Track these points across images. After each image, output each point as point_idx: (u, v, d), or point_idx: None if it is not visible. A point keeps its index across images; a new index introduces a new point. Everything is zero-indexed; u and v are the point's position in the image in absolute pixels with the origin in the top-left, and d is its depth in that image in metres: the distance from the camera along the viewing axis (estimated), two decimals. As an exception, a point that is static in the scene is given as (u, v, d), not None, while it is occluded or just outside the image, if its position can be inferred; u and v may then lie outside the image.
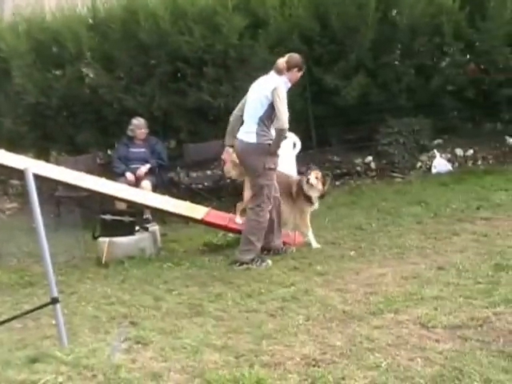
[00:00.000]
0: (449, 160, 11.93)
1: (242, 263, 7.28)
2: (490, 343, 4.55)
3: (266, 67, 11.21)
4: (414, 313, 5.24)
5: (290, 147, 10.48)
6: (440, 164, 11.72)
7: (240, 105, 7.80)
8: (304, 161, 11.32)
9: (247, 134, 7.42)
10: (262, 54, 11.25)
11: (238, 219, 8.33)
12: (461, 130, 12.66)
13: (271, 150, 7.31)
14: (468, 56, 11.98)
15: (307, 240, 7.95)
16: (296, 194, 8.01)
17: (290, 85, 7.52)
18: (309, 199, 7.94)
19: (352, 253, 7.40)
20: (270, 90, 7.27)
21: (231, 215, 8.71)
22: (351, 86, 11.20)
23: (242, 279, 6.77)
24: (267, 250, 7.72)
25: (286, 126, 7.23)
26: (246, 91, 11.25)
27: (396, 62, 12.04)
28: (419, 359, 4.40)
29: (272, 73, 7.49)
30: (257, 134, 7.32)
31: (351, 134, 12.19)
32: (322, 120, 11.70)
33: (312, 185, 7.89)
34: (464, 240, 7.45)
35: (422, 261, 6.71)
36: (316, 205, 8.04)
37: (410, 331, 4.91)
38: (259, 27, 11.42)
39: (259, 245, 7.42)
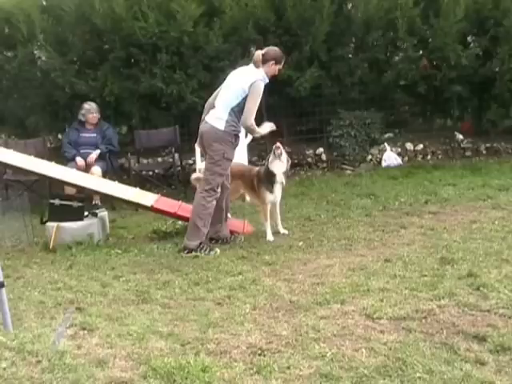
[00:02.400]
0: (399, 154, 12.08)
1: (190, 250, 7.25)
2: (433, 335, 4.61)
3: (219, 56, 11.31)
4: (360, 304, 5.29)
5: (241, 137, 10.48)
6: (390, 158, 11.84)
7: (215, 93, 7.67)
8: (255, 151, 11.37)
9: (217, 119, 7.34)
10: (216, 43, 11.24)
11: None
12: (411, 125, 12.84)
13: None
14: (421, 52, 12.10)
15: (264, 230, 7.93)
16: (257, 184, 7.94)
17: (267, 80, 7.40)
18: (272, 176, 7.81)
19: (300, 243, 7.42)
20: (248, 83, 7.19)
21: (180, 202, 8.69)
22: (304, 77, 11.24)
23: (190, 267, 6.75)
24: (215, 239, 7.71)
25: (249, 123, 7.25)
26: (198, 79, 11.33)
27: (350, 55, 12.12)
28: (364, 350, 4.43)
29: (251, 65, 7.42)
30: (226, 122, 7.28)
31: (303, 126, 12.26)
32: (274, 110, 11.72)
33: (277, 155, 7.82)
34: (411, 233, 7.53)
35: (370, 253, 6.77)
36: (277, 194, 7.92)
37: (355, 322, 4.95)
38: (214, 15, 11.39)
39: (205, 230, 7.38)
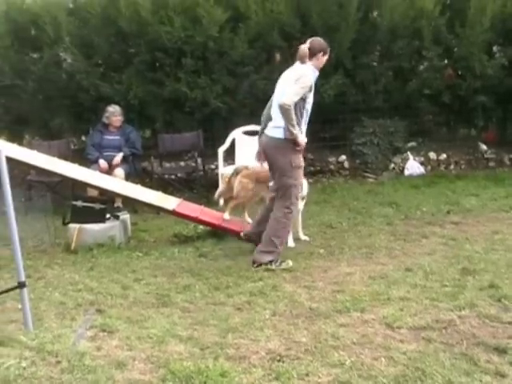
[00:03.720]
0: (422, 163, 12.02)
1: (260, 264, 6.86)
2: (453, 346, 4.59)
3: (243, 61, 11.33)
4: (380, 312, 5.28)
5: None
6: (413, 167, 11.80)
7: (269, 102, 7.26)
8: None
9: (275, 128, 6.90)
10: (241, 48, 11.27)
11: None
12: (435, 134, 12.78)
13: (290, 134, 6.73)
14: (446, 61, 12.07)
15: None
16: None
17: (317, 73, 7.04)
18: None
19: (321, 250, 7.42)
20: (294, 80, 6.77)
21: (202, 207, 8.71)
22: (329, 84, 11.23)
23: (211, 272, 6.77)
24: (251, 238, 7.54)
25: (287, 102, 6.61)
26: (223, 84, 11.35)
27: (374, 63, 12.10)
28: (383, 358, 4.43)
29: (296, 63, 7.00)
30: (284, 128, 6.77)
31: (326, 133, 12.23)
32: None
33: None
34: (433, 243, 7.51)
35: (390, 261, 6.75)
36: (301, 205, 7.84)
37: (375, 330, 4.94)
38: (240, 21, 11.41)
39: (281, 248, 7.01)
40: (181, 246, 7.99)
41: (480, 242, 7.41)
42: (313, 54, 6.93)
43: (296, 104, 6.70)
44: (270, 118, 7.08)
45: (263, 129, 7.23)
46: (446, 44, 11.75)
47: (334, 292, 5.91)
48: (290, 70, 7.02)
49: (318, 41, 7.08)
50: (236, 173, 8.37)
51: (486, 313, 5.17)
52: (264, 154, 7.23)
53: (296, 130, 6.74)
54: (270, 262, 6.85)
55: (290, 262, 6.89)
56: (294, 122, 6.70)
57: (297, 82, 6.72)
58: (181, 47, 11.32)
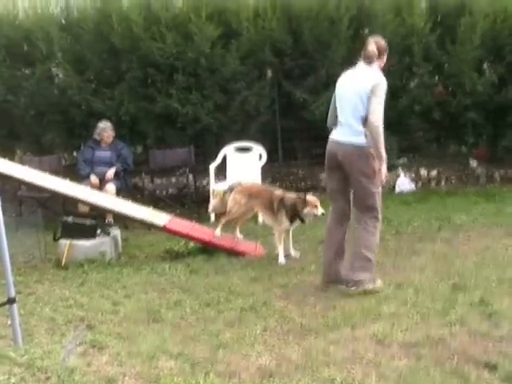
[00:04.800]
0: (412, 179, 12.06)
1: (356, 283, 6.35)
2: (443, 362, 4.60)
3: (235, 78, 11.36)
4: (371, 328, 5.28)
5: (255, 159, 10.56)
6: (404, 183, 11.84)
7: (330, 112, 6.78)
8: (269, 173, 11.39)
9: (355, 136, 6.37)
10: (232, 64, 11.30)
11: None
12: (426, 151, 12.80)
13: (377, 155, 6.28)
14: (436, 78, 12.13)
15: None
16: (278, 209, 7.87)
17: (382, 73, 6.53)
18: (299, 217, 7.79)
19: (312, 266, 7.40)
20: (370, 84, 6.28)
21: (193, 223, 8.72)
22: (320, 101, 11.25)
23: (202, 288, 6.75)
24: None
25: (377, 123, 6.23)
26: (214, 100, 11.37)
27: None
28: (374, 375, 4.42)
29: (362, 64, 6.51)
30: (365, 134, 6.31)
31: (318, 149, 12.21)
32: (289, 133, 11.79)
33: (314, 214, 7.74)
34: (424, 259, 7.51)
35: (381, 277, 6.71)
36: (295, 225, 7.95)
37: (365, 347, 4.94)
38: (231, 37, 11.45)
39: (374, 261, 6.53)
40: (172, 262, 7.97)
41: (471, 258, 7.43)
42: (380, 53, 6.52)
43: None
44: (338, 124, 6.59)
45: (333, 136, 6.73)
46: (437, 61, 11.82)
47: (324, 308, 5.90)
48: (359, 73, 6.49)
49: (382, 40, 6.64)
50: (230, 189, 8.37)
51: (476, 329, 5.18)
52: (335, 161, 6.55)
53: (383, 150, 6.31)
54: (367, 280, 6.37)
55: (380, 282, 6.49)
56: (383, 141, 6.30)
57: (377, 94, 6.27)
58: (172, 63, 11.36)
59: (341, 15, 11.39)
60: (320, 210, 7.64)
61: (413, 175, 12.18)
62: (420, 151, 12.78)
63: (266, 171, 11.00)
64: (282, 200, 7.89)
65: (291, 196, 7.95)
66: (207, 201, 10.21)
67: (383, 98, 6.33)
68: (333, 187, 6.78)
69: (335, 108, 6.70)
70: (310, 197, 7.80)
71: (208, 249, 8.20)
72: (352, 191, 6.65)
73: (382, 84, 6.34)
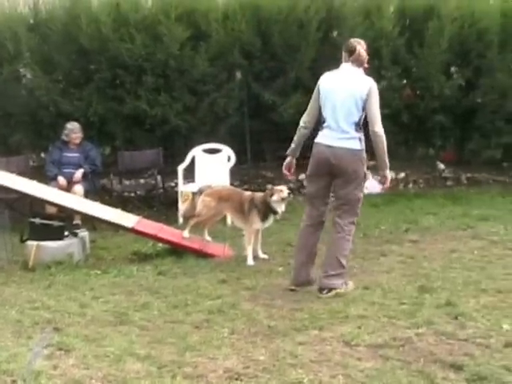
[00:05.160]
0: (380, 182, 12.09)
1: (330, 289, 6.32)
2: (410, 363, 4.62)
3: (204, 79, 11.34)
4: (338, 330, 5.30)
5: (223, 160, 10.56)
6: (372, 185, 11.86)
7: (309, 111, 6.77)
8: (238, 175, 11.38)
9: (348, 140, 6.41)
10: (201, 66, 11.28)
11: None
12: (394, 153, 12.81)
13: (384, 164, 6.65)
14: (404, 81, 12.22)
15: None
16: (249, 210, 7.91)
17: None
18: (270, 211, 7.84)
19: (280, 269, 7.42)
20: (366, 88, 6.36)
21: (162, 225, 8.70)
22: (289, 103, 11.29)
23: (169, 290, 6.72)
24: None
25: (379, 129, 6.47)
26: (183, 102, 11.33)
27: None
28: (341, 376, 4.43)
29: (349, 66, 6.50)
30: (359, 139, 6.45)
31: (286, 151, 12.25)
32: (258, 135, 11.79)
33: (283, 199, 7.82)
34: (391, 261, 7.58)
35: (349, 279, 6.77)
36: (267, 224, 7.98)
37: (333, 348, 4.95)
38: (201, 39, 11.44)
39: (347, 266, 6.54)
40: (140, 263, 7.93)
41: (437, 260, 7.52)
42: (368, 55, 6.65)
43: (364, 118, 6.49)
44: (326, 127, 6.58)
45: (300, 143, 6.96)
46: (405, 64, 11.92)
47: (292, 310, 5.91)
48: (351, 76, 6.49)
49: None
50: (200, 192, 8.37)
51: (442, 330, 5.23)
52: (335, 166, 6.49)
53: (383, 144, 6.54)
54: (340, 284, 6.39)
55: (351, 284, 6.52)
56: (385, 145, 6.53)
57: (373, 100, 6.40)
58: (141, 64, 11.31)
59: (310, 18, 11.44)
60: (286, 192, 7.77)
61: (380, 178, 12.22)
62: (388, 154, 12.81)
63: (235, 173, 11.00)
64: (252, 200, 7.95)
65: (260, 194, 8.01)
66: (175, 202, 10.20)
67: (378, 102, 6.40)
68: (316, 192, 6.69)
69: (317, 107, 6.64)
70: (276, 186, 8.02)
71: (176, 250, 8.19)
72: (334, 196, 6.65)
73: (376, 88, 6.44)
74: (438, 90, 11.73)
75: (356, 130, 6.44)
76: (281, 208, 7.88)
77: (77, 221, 9.63)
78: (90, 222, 9.60)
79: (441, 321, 5.45)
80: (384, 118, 12.01)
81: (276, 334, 5.29)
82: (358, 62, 6.50)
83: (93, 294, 6.70)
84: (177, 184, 11.06)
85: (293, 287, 6.59)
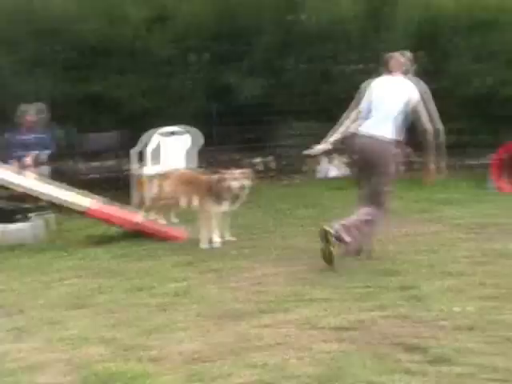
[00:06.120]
0: (345, 164, 12.14)
1: (342, 243, 6.59)
2: (375, 345, 4.63)
3: (169, 61, 11.24)
4: (304, 313, 5.31)
5: (189, 143, 10.50)
6: (339, 168, 11.93)
7: (352, 106, 7.26)
8: (204, 157, 11.33)
9: (385, 131, 6.81)
10: (166, 48, 11.19)
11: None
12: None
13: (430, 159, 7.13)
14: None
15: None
16: (204, 193, 7.84)
17: None
18: (225, 192, 7.71)
19: (246, 251, 7.43)
20: (412, 89, 6.83)
21: (126, 208, 8.65)
22: (255, 85, 11.26)
23: (135, 272, 6.71)
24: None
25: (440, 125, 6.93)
26: (148, 83, 11.21)
27: (301, 65, 12.17)
28: (307, 358, 4.43)
29: (398, 74, 7.01)
30: (391, 132, 6.83)
31: (252, 134, 12.26)
32: (223, 118, 11.75)
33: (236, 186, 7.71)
34: (357, 244, 7.59)
35: (315, 262, 6.76)
36: (225, 207, 7.86)
37: (299, 331, 4.95)
38: (166, 20, 11.31)
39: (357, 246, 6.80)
40: (105, 246, 7.90)
41: (403, 244, 7.55)
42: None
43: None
44: (364, 119, 7.01)
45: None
46: (373, 47, 11.91)
47: (258, 292, 5.91)
48: (397, 80, 6.99)
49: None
50: (161, 176, 8.32)
51: (407, 313, 5.24)
52: (368, 156, 6.88)
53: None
54: (351, 247, 6.67)
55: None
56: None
57: (431, 101, 6.89)
58: (106, 46, 11.16)
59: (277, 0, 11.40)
60: (242, 182, 7.67)
61: (348, 160, 12.27)
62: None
63: (201, 155, 10.95)
64: (208, 184, 7.87)
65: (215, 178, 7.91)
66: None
67: None
68: None
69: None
70: (233, 171, 7.84)
71: (141, 233, 8.15)
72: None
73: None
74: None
75: (393, 123, 6.87)
76: (231, 195, 7.74)
77: (43, 203, 9.50)
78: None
79: (405, 303, 5.46)
80: (351, 100, 12.19)
81: (241, 317, 5.28)
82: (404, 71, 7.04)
83: (58, 276, 6.67)
84: (139, 167, 10.96)
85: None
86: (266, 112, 11.90)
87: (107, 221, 8.33)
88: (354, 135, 7.06)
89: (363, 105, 7.08)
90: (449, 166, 12.27)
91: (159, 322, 5.21)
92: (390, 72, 7.03)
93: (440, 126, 6.90)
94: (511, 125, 11.34)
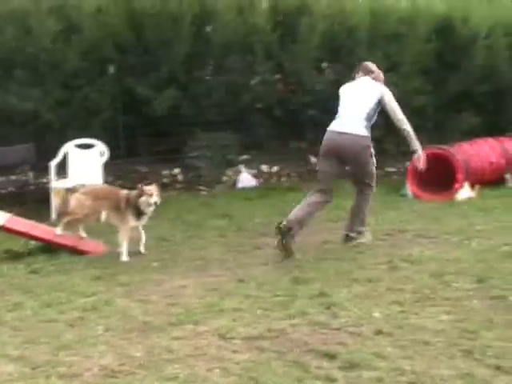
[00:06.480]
0: (254, 175, 12.24)
1: (358, 233, 8.01)
2: (285, 354, 4.70)
3: (77, 73, 11.12)
4: (214, 324, 5.33)
5: (96, 156, 10.42)
6: (246, 179, 12.00)
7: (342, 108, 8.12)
8: (111, 170, 11.26)
9: (359, 128, 7.73)
10: (74, 60, 11.07)
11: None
12: (267, 147, 13.04)
13: (418, 153, 7.90)
14: (278, 76, 12.38)
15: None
16: (124, 208, 7.86)
17: None
18: (139, 211, 7.83)
19: (155, 264, 7.41)
20: (377, 89, 7.88)
21: (34, 222, 8.51)
22: (162, 97, 11.25)
23: (43, 288, 6.60)
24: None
25: (401, 115, 7.83)
26: (55, 96, 11.07)
27: (208, 77, 12.22)
28: (217, 370, 4.47)
29: (367, 78, 8.08)
30: (365, 128, 7.76)
31: (160, 146, 12.24)
32: (131, 130, 11.70)
33: (149, 202, 7.77)
34: (265, 254, 7.66)
35: (224, 273, 6.84)
36: (142, 222, 7.98)
37: (209, 342, 4.98)
38: (73, 32, 11.20)
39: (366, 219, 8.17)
40: (11, 262, 7.72)
41: (311, 252, 7.66)
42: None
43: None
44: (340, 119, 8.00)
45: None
46: (278, 59, 12.06)
47: (167, 305, 5.91)
48: (364, 83, 8.07)
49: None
50: (74, 189, 8.24)
51: (316, 320, 5.34)
52: (342, 151, 7.76)
53: (409, 128, 7.86)
54: (363, 233, 8.05)
55: (369, 236, 8.13)
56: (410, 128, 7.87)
57: (390, 99, 7.85)
58: (12, 58, 10.98)
59: (183, 12, 11.40)
60: (154, 199, 7.71)
61: (255, 171, 12.38)
62: (262, 148, 13.01)
63: (109, 168, 10.88)
64: (127, 199, 7.87)
65: (134, 193, 7.93)
66: (48, 199, 10.00)
67: None
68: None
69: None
70: (147, 187, 7.86)
71: (50, 248, 8.02)
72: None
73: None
74: (309, 84, 11.96)
75: (366, 120, 7.82)
76: (149, 210, 7.85)
77: None
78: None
79: (314, 311, 5.56)
80: (257, 112, 12.33)
81: (151, 330, 5.28)
82: (374, 78, 8.13)
83: (-38, 295, 6.51)
84: (49, 180, 10.83)
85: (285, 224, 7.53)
86: (174, 124, 11.92)
87: (21, 235, 8.17)
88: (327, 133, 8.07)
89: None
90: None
91: (68, 339, 5.15)
92: (360, 76, 8.17)
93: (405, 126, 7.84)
94: (425, 133, 11.66)
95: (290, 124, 12.68)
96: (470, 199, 10.73)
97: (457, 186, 10.88)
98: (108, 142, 10.75)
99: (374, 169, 8.01)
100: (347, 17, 12.19)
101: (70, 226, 8.26)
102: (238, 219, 9.27)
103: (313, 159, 12.74)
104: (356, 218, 8.05)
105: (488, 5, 14.10)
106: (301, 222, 7.65)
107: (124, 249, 7.76)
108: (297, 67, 11.95)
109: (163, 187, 11.51)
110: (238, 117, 12.22)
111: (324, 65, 12.74)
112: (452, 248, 7.65)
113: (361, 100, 7.85)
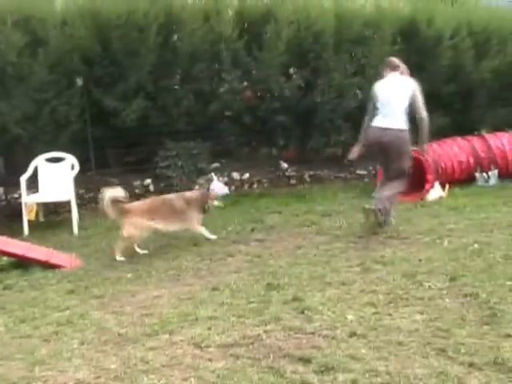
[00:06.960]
0: (226, 183, 12.25)
1: (383, 211, 8.50)
2: (260, 360, 4.73)
3: (44, 87, 11.06)
4: (189, 333, 5.34)
5: (67, 169, 10.38)
6: (217, 187, 11.99)
7: (371, 106, 8.88)
8: (83, 183, 11.22)
9: (401, 122, 8.55)
10: (40, 73, 11.00)
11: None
12: (237, 155, 13.07)
13: (424, 140, 8.73)
14: (245, 83, 12.41)
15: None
16: (187, 209, 8.61)
17: None
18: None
19: (129, 275, 7.39)
20: (410, 85, 8.59)
21: (5, 238, 8.46)
22: (131, 108, 11.23)
23: (16, 304, 6.58)
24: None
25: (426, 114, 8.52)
26: (23, 110, 10.99)
27: (176, 87, 12.22)
28: (193, 379, 4.49)
29: (396, 74, 8.78)
30: (404, 121, 8.57)
31: (130, 157, 12.23)
32: (101, 142, 11.66)
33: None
34: (238, 261, 7.68)
35: (197, 282, 6.85)
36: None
37: (184, 351, 4.99)
38: (39, 46, 11.13)
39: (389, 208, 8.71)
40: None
41: (283, 257, 7.68)
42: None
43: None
44: (380, 114, 8.69)
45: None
46: (245, 67, 12.08)
47: (142, 316, 5.91)
48: (397, 79, 8.77)
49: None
50: (112, 200, 8.24)
51: (290, 325, 5.37)
52: (389, 144, 8.55)
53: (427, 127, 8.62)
54: (388, 211, 8.64)
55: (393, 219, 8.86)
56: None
57: (418, 95, 8.54)
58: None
59: (149, 22, 11.39)
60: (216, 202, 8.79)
61: (226, 179, 12.39)
62: (232, 155, 13.03)
63: (79, 181, 10.84)
64: (185, 200, 8.58)
65: (190, 193, 8.85)
66: (19, 214, 9.94)
67: None
68: None
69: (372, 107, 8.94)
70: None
71: (22, 263, 7.98)
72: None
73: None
74: (278, 91, 12.03)
75: (404, 114, 8.62)
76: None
77: None
78: None
79: (288, 316, 5.59)
80: (226, 120, 12.36)
81: (126, 341, 5.28)
82: (400, 72, 8.82)
83: None
84: (20, 195, 10.75)
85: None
86: (143, 134, 11.89)
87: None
88: (368, 129, 8.81)
89: (375, 103, 8.80)
90: (337, 177, 12.84)
91: (43, 354, 5.14)
92: (389, 73, 8.84)
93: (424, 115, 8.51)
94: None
95: (260, 131, 12.72)
96: (440, 199, 10.82)
97: (427, 186, 10.98)
98: (78, 155, 10.70)
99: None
100: (313, 22, 12.21)
101: (40, 238, 8.24)
102: (211, 227, 9.25)
103: (284, 165, 12.81)
104: (387, 197, 8.66)
105: (452, 6, 14.26)
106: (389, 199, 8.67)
107: (205, 232, 8.69)
108: (264, 74, 11.97)
109: (136, 198, 11.53)
110: (208, 125, 12.23)
111: (291, 70, 12.77)
112: (424, 248, 7.71)
113: (398, 96, 8.58)
